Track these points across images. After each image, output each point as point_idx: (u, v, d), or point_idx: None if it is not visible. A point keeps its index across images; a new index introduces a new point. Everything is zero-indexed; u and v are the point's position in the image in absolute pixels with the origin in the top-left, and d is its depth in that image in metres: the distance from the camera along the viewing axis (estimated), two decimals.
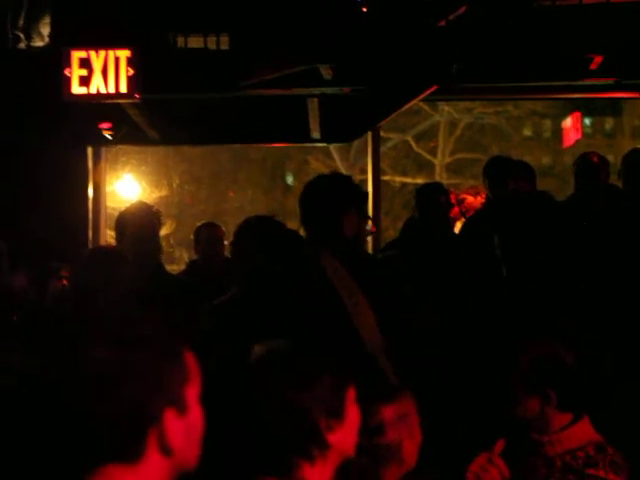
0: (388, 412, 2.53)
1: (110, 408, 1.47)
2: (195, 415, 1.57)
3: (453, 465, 3.02)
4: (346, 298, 3.35)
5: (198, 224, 6.98)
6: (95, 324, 1.54)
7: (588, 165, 6.17)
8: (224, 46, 7.13)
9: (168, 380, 1.53)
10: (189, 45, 7.17)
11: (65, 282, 5.50)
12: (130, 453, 1.49)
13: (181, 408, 1.53)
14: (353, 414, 2.21)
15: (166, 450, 1.52)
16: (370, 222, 3.85)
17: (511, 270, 4.74)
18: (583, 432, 2.90)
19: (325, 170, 24.38)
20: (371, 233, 4.11)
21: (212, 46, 7.14)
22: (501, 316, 4.19)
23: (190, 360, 1.57)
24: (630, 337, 4.02)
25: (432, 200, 6.28)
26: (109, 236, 8.45)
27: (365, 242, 3.77)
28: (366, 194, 3.83)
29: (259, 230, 4.02)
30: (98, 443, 1.48)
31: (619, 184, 5.77)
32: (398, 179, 23.74)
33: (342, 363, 2.24)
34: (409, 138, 23.81)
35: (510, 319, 4.17)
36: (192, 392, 1.56)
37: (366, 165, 8.90)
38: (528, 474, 2.89)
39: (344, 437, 2.17)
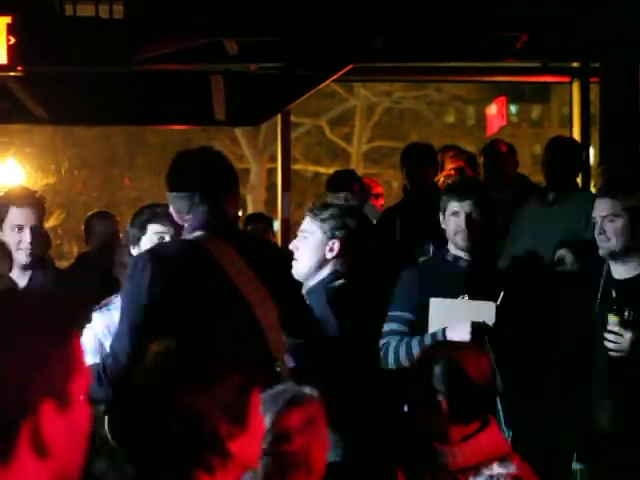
0: (295, 417, 2.51)
1: None
2: (80, 413, 1.47)
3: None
4: (243, 286, 3.26)
5: (89, 214, 6.89)
6: None
7: (495, 155, 6.28)
8: (118, 15, 7.02)
9: (50, 365, 1.41)
10: (78, 13, 7.04)
11: None
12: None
13: (63, 402, 1.43)
14: (257, 420, 2.17)
15: (41, 450, 1.40)
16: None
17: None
18: (489, 442, 2.91)
19: (232, 157, 24.32)
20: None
21: (104, 14, 7.02)
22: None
23: (78, 352, 1.47)
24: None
25: (345, 188, 6.30)
26: None
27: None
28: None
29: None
30: None
31: (541, 175, 5.88)
32: (311, 168, 23.83)
33: (245, 364, 2.20)
34: (322, 123, 23.90)
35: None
36: (77, 387, 1.46)
37: (276, 152, 8.90)
38: None
39: (247, 445, 2.13)
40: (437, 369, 2.91)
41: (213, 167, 3.42)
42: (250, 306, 3.24)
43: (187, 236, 3.37)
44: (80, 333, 1.52)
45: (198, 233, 3.34)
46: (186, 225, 3.39)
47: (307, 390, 2.59)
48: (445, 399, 2.89)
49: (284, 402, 2.53)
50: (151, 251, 3.38)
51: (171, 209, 3.43)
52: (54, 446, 1.42)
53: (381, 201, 6.96)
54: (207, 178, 3.38)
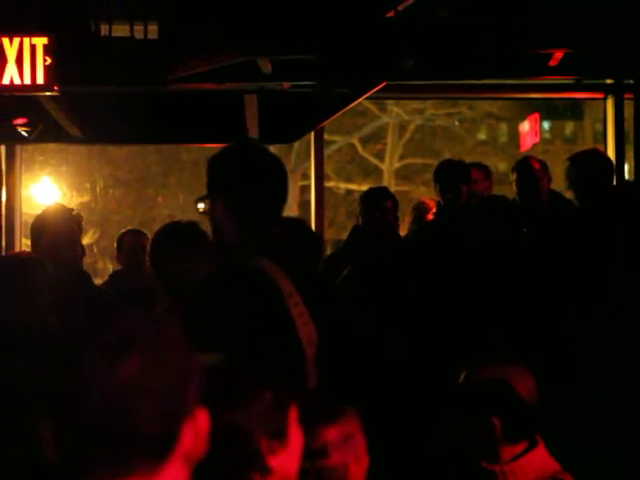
0: (332, 433, 2.50)
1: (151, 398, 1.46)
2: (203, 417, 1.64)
3: None
4: (292, 309, 3.17)
5: (122, 231, 6.95)
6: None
7: (529, 171, 6.25)
8: (152, 35, 7.07)
9: (194, 373, 1.57)
10: (114, 33, 7.08)
11: None
12: (160, 452, 1.49)
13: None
14: (296, 435, 2.17)
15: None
16: None
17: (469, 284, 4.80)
18: (539, 461, 2.91)
19: None
20: None
21: (139, 35, 7.07)
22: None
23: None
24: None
25: (378, 206, 6.30)
26: (25, 245, 8.33)
27: None
28: None
29: (182, 237, 3.95)
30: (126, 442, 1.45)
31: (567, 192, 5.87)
32: (343, 186, 23.79)
33: (283, 379, 2.21)
34: (355, 141, 23.88)
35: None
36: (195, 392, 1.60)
37: (308, 170, 8.91)
38: None
39: (287, 461, 2.14)
40: (488, 390, 2.92)
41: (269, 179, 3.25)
42: (296, 331, 3.14)
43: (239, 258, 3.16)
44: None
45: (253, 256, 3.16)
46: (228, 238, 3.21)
47: (344, 406, 2.59)
48: (498, 419, 2.90)
49: (321, 418, 2.53)
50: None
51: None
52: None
53: None
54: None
